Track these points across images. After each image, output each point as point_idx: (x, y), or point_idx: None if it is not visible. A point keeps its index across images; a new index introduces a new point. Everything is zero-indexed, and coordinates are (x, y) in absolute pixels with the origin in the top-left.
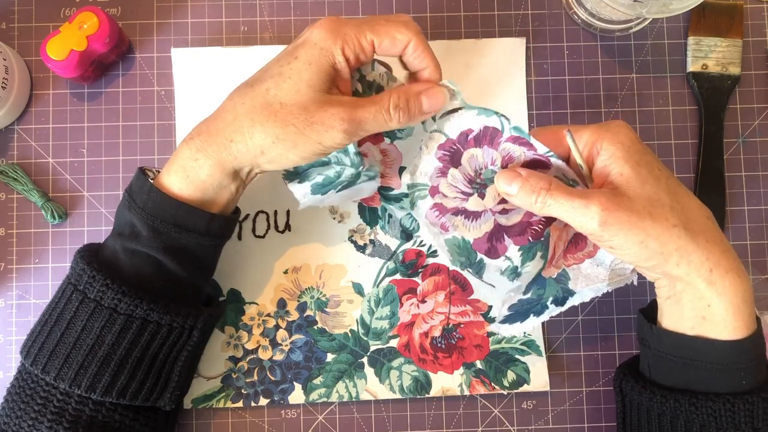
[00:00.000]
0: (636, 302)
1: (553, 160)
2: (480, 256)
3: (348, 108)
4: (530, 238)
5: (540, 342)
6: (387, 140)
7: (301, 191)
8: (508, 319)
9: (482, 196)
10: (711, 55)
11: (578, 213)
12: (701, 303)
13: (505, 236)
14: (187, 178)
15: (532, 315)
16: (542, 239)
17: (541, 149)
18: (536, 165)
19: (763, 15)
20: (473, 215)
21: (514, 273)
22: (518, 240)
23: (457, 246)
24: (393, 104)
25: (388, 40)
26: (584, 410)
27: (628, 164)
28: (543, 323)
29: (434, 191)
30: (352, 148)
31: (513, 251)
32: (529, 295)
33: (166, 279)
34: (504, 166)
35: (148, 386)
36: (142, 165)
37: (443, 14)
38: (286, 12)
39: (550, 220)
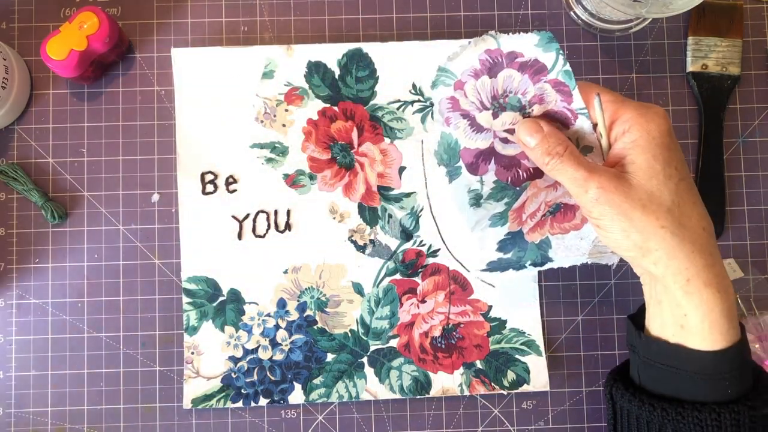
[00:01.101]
0: (636, 302)
1: (580, 121)
2: (461, 163)
3: None
4: (510, 179)
5: (540, 342)
6: (387, 140)
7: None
8: (488, 269)
9: (495, 116)
10: (711, 55)
11: (577, 184)
12: (678, 311)
13: (493, 161)
14: None
15: (511, 269)
16: (518, 188)
17: (577, 104)
18: (559, 119)
19: (763, 15)
20: (477, 127)
21: (475, 200)
22: (500, 172)
23: (448, 143)
24: None
25: None
26: (584, 410)
27: (644, 155)
28: (543, 323)
29: (458, 85)
30: None
31: (489, 178)
32: (509, 256)
33: None
34: (532, 103)
35: None
36: (142, 164)
37: (443, 14)
38: (286, 12)
39: (537, 173)
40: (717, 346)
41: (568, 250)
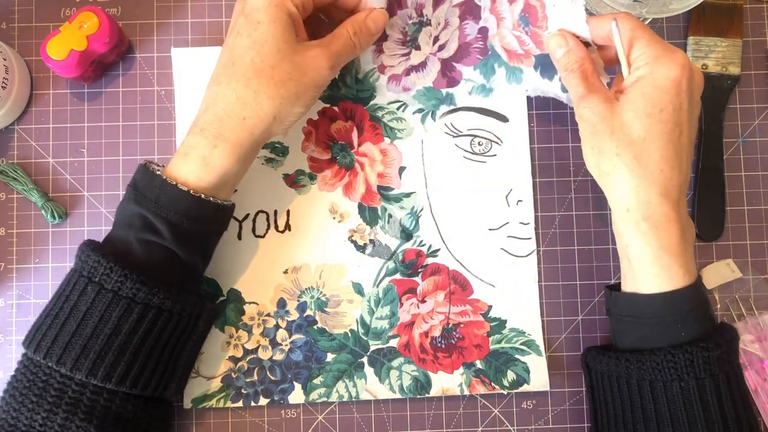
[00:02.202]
0: None
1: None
2: (445, 90)
3: (325, 47)
4: (478, 56)
5: (540, 342)
6: (387, 140)
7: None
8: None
9: (418, 48)
10: (711, 55)
11: (576, 97)
12: (622, 241)
13: (454, 64)
14: (207, 166)
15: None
16: (489, 53)
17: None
18: None
19: (763, 15)
20: (420, 66)
21: (484, 90)
22: (468, 61)
23: (423, 95)
24: (353, 33)
25: None
26: (584, 410)
27: (638, 90)
28: (543, 323)
29: (382, 69)
30: None
31: (470, 72)
32: (556, 77)
33: (176, 267)
34: (418, 11)
35: (157, 375)
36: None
37: None
38: None
39: (484, 35)
40: (664, 286)
41: (568, 17)
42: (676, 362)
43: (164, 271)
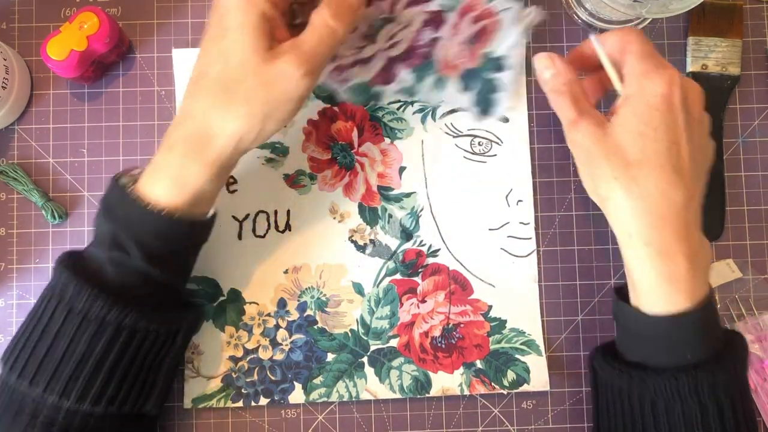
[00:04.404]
0: None
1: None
2: (375, 88)
3: (296, 50)
4: (420, 60)
5: (540, 342)
6: (387, 140)
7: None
8: (481, 112)
9: (373, 41)
10: (711, 55)
11: (566, 122)
12: (626, 264)
13: (397, 64)
14: (176, 186)
15: (495, 93)
16: (431, 60)
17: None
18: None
19: (763, 15)
20: (367, 60)
21: (409, 93)
22: (408, 63)
23: (356, 90)
24: (330, 15)
25: None
26: (584, 410)
27: (629, 109)
28: (543, 323)
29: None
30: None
31: (406, 74)
32: (478, 83)
33: (150, 285)
34: (389, 9)
35: (135, 393)
36: (138, 166)
37: None
38: None
39: (434, 44)
40: (667, 309)
41: (508, 39)
42: (680, 386)
43: (138, 290)
